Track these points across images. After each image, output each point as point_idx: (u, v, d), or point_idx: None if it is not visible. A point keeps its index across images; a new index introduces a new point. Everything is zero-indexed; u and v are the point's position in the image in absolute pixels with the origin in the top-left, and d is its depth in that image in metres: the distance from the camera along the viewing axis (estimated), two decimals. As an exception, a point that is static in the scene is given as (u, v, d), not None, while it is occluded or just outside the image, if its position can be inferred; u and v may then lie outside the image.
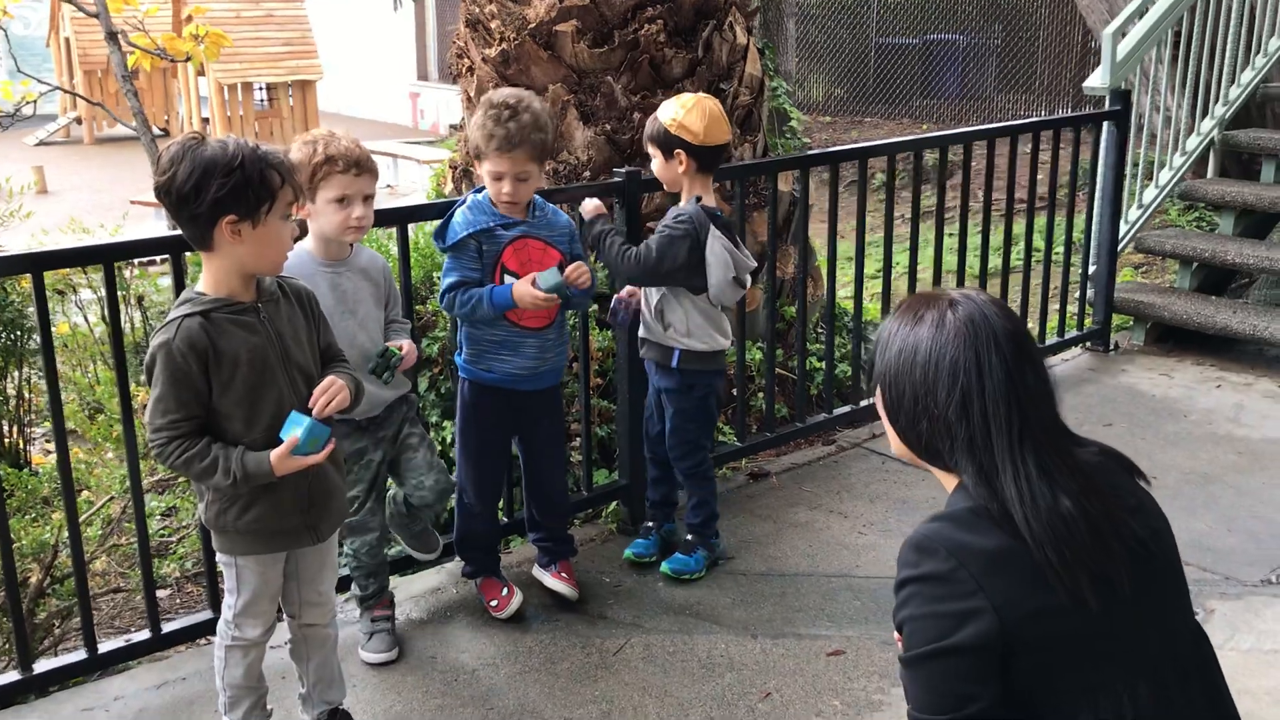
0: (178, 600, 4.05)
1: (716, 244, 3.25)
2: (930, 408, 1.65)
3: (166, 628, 3.07)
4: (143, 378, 2.34)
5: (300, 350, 2.37)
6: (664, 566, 3.49)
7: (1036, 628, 1.53)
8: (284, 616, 2.63)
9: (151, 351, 2.24)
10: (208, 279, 2.29)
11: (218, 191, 2.15)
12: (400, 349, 2.81)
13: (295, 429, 2.25)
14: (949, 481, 1.72)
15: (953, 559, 1.56)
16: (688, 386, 3.41)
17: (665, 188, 3.41)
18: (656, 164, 3.34)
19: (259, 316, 2.31)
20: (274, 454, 2.25)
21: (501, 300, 3.01)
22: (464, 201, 3.12)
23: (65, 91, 6.70)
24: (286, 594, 2.55)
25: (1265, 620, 3.24)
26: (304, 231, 2.81)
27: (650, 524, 3.65)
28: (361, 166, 2.74)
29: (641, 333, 3.46)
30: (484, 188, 3.09)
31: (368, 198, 2.76)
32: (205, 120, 17.60)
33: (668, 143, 3.27)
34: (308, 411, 2.30)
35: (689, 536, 3.55)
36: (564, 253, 3.15)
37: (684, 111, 3.24)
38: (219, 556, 2.46)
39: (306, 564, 2.53)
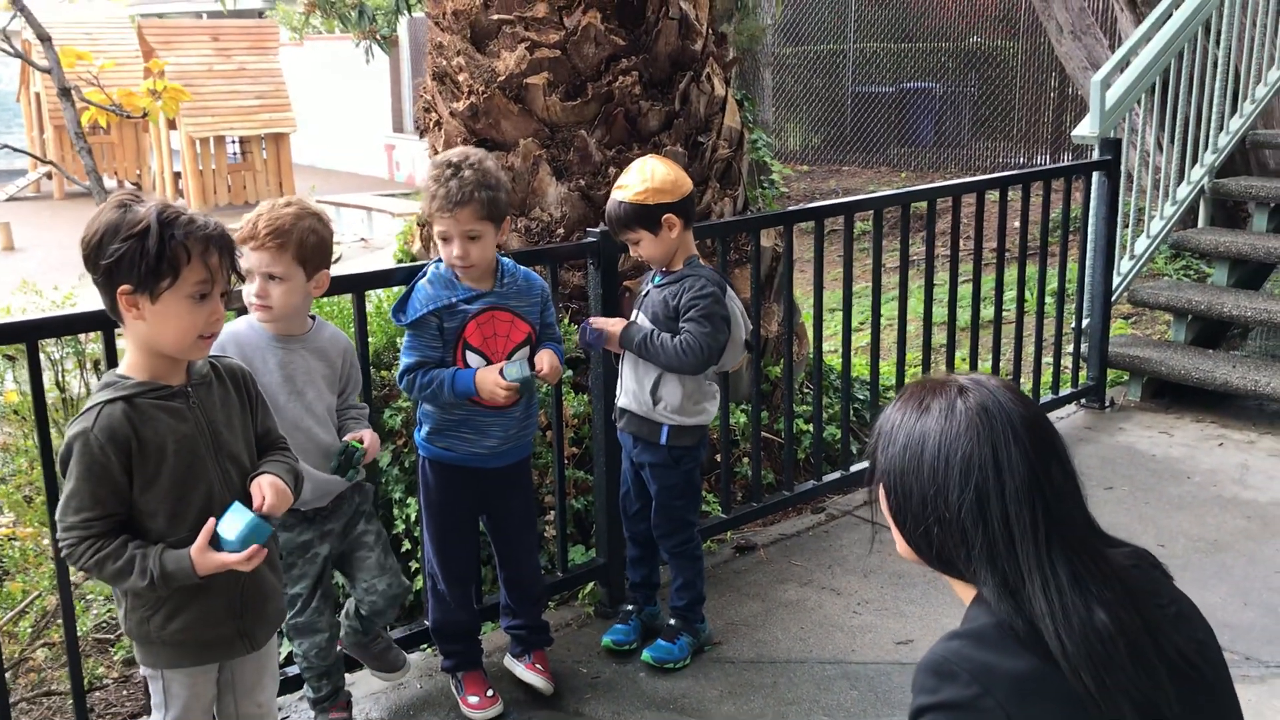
0: (125, 693, 3.77)
1: (736, 305, 3.10)
2: (941, 511, 1.45)
3: (99, 738, 2.79)
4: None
5: (234, 438, 2.14)
6: (645, 655, 3.24)
7: None
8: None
9: (67, 441, 2.00)
10: (130, 359, 2.06)
11: (111, 258, 1.94)
12: (361, 442, 2.58)
13: (236, 519, 2.01)
14: (966, 592, 1.51)
15: (976, 684, 1.36)
16: (674, 461, 3.18)
17: (657, 264, 3.15)
18: (646, 244, 3.08)
19: (188, 402, 2.07)
20: (194, 549, 2.00)
21: (463, 388, 2.79)
22: (424, 273, 2.89)
23: (14, 150, 6.47)
24: (222, 707, 2.29)
25: (1292, 706, 3.02)
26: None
27: (631, 607, 3.40)
28: (257, 240, 2.47)
29: (623, 403, 3.22)
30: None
31: (271, 276, 2.49)
32: (177, 174, 17.44)
33: (650, 215, 3.03)
34: (248, 504, 2.06)
35: (672, 621, 3.30)
36: (534, 324, 2.92)
37: (643, 179, 3.04)
38: (143, 669, 2.20)
39: (243, 674, 2.28)
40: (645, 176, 3.05)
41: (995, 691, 1.35)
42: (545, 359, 2.88)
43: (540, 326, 2.95)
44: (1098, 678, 1.34)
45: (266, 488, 2.10)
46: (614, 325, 3.15)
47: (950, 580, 1.55)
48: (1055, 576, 1.39)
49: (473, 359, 2.83)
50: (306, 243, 2.51)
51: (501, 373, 2.76)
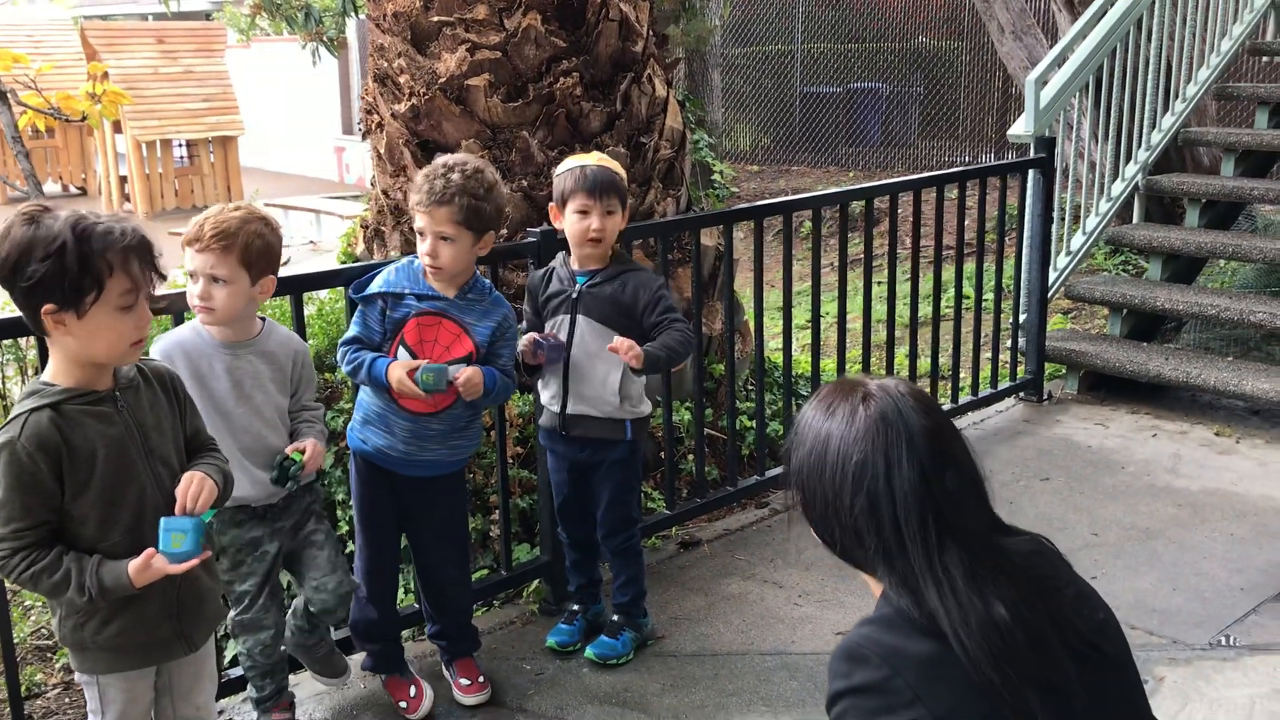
0: (66, 700, 3.74)
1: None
2: (839, 514, 1.51)
3: (37, 745, 2.78)
4: None
5: (163, 441, 2.14)
6: (589, 652, 3.27)
7: None
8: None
9: None
10: (55, 366, 2.05)
11: (30, 279, 1.92)
12: (302, 453, 2.58)
13: (175, 531, 2.02)
14: (875, 586, 1.56)
15: (886, 666, 1.41)
16: (633, 454, 3.22)
17: (599, 250, 3.11)
18: (613, 221, 3.07)
19: (116, 406, 2.07)
20: (133, 565, 2.00)
21: (377, 372, 2.81)
22: (398, 261, 2.95)
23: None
24: (160, 710, 2.29)
25: (1216, 687, 3.11)
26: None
27: (576, 606, 3.43)
28: (202, 242, 2.47)
29: (578, 410, 3.14)
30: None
31: (215, 278, 2.49)
32: (123, 178, 17.20)
33: (624, 195, 3.10)
34: (172, 513, 2.06)
35: (615, 617, 3.33)
36: (479, 346, 2.88)
37: (607, 161, 3.09)
38: (78, 675, 2.20)
39: (180, 676, 2.28)
40: (607, 161, 3.09)
41: (904, 673, 1.40)
42: (468, 371, 2.80)
43: (488, 352, 2.90)
44: (1000, 670, 1.38)
45: (195, 482, 2.08)
46: (634, 358, 2.97)
47: (862, 575, 1.60)
48: (949, 577, 1.43)
49: (404, 356, 2.85)
50: (252, 246, 2.50)
51: (416, 371, 2.76)
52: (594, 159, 3.12)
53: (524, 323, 3.23)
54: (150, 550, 2.01)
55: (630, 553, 3.32)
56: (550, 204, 3.18)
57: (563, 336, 3.10)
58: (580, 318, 3.11)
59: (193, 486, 2.08)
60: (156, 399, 2.15)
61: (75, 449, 2.00)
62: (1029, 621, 1.41)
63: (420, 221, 2.83)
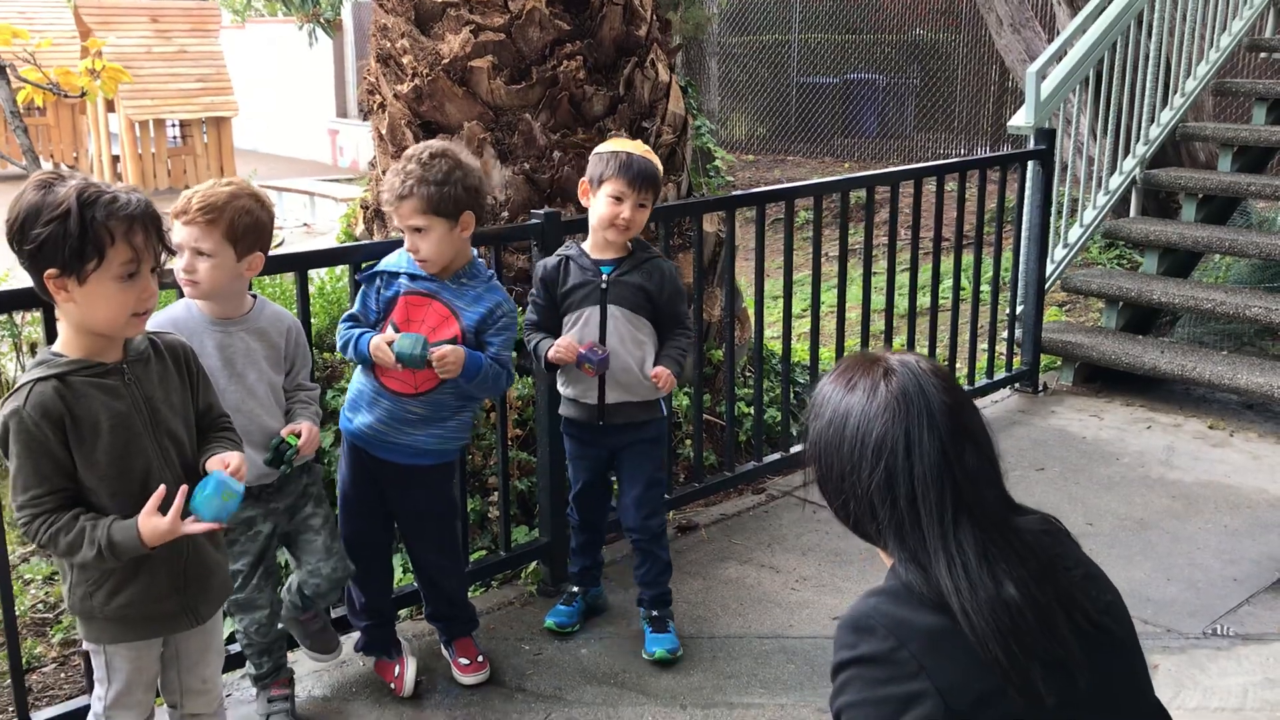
0: (63, 675, 3.74)
1: None
2: (855, 486, 1.51)
3: (37, 718, 2.77)
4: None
5: (173, 415, 2.14)
6: (661, 653, 3.16)
7: (986, 713, 1.38)
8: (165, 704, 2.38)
9: (3, 421, 2.00)
10: (64, 337, 2.06)
11: (33, 242, 1.93)
12: (298, 436, 2.56)
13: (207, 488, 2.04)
14: (886, 559, 1.57)
15: (892, 638, 1.42)
16: (665, 431, 3.28)
17: (625, 239, 3.09)
18: (643, 213, 3.07)
19: (124, 379, 2.07)
20: (140, 518, 2.00)
21: (362, 348, 2.83)
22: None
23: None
24: (166, 682, 2.30)
25: (1210, 675, 3.13)
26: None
27: (575, 589, 3.43)
28: (188, 215, 2.45)
29: (617, 399, 3.11)
30: None
31: (200, 251, 2.47)
32: (115, 158, 17.12)
33: (658, 193, 3.11)
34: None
35: (655, 612, 3.25)
36: (466, 330, 2.85)
37: (647, 151, 3.09)
38: (86, 644, 2.21)
39: (187, 648, 2.29)
40: (650, 155, 3.08)
41: (910, 644, 1.40)
42: (449, 348, 2.77)
43: (477, 339, 2.87)
44: (1006, 648, 1.38)
45: (232, 458, 2.11)
46: (667, 380, 3.06)
47: (875, 548, 1.61)
48: (961, 554, 1.43)
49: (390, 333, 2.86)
50: (238, 222, 2.48)
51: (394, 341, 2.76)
52: (639, 148, 3.07)
53: (529, 309, 3.20)
54: (157, 495, 2.00)
55: (663, 535, 3.30)
56: (582, 180, 3.13)
57: (594, 327, 3.06)
58: (612, 307, 3.08)
59: (232, 462, 2.11)
60: (167, 372, 2.15)
61: (79, 420, 2.01)
62: (1038, 601, 1.42)
63: (395, 219, 2.83)
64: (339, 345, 2.91)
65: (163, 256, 2.09)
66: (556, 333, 3.13)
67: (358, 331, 2.87)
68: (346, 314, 2.95)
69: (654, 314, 3.12)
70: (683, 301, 3.19)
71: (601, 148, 3.12)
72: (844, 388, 1.55)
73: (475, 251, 2.99)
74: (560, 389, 3.23)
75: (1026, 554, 1.47)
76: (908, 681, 1.38)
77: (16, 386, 2.02)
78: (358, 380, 2.95)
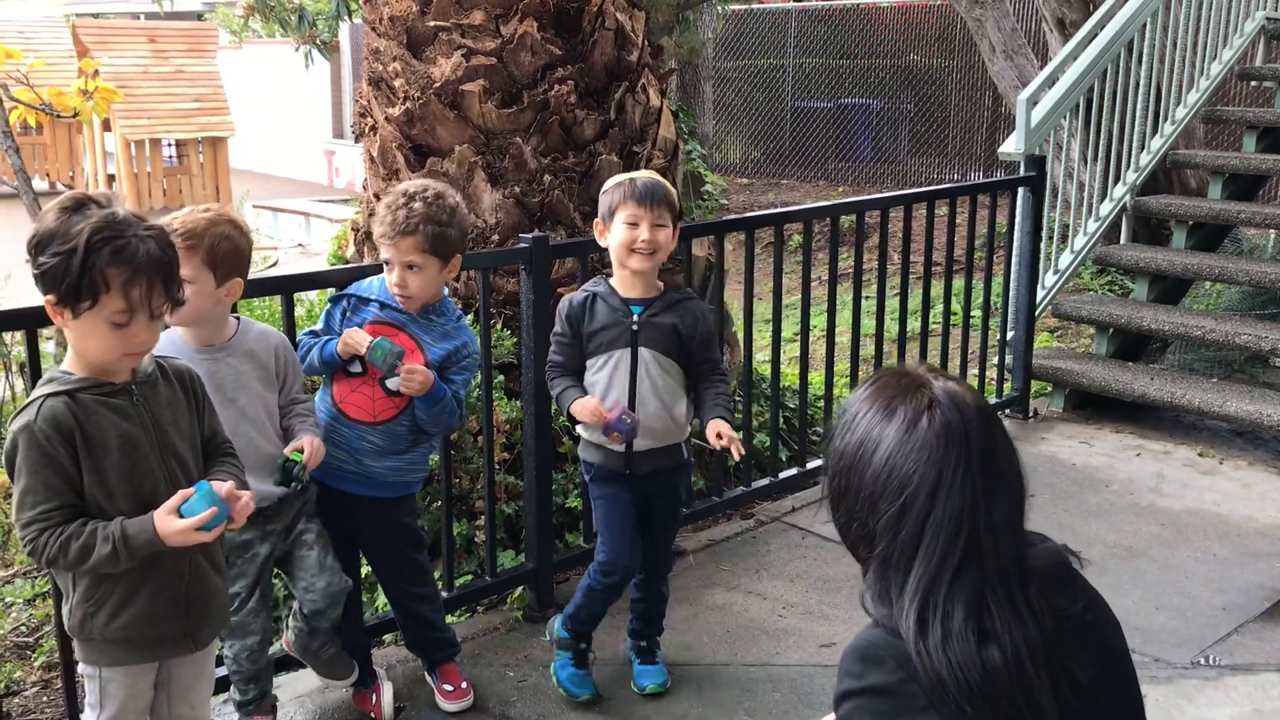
0: (45, 699, 3.71)
1: None
2: (866, 514, 1.46)
3: (15, 743, 2.75)
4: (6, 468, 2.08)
5: (179, 439, 2.14)
6: (652, 687, 3.13)
7: None
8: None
9: (11, 437, 2.00)
10: (72, 357, 2.07)
11: (40, 267, 1.96)
12: (301, 451, 2.56)
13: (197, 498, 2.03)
14: None
15: (901, 670, 1.39)
16: (687, 476, 3.20)
17: (649, 271, 2.95)
18: (667, 236, 2.92)
19: (132, 399, 2.08)
20: (159, 511, 2.00)
21: (329, 353, 2.82)
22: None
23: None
24: (155, 707, 2.29)
25: (1198, 706, 3.12)
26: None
27: (589, 650, 3.17)
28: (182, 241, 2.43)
29: (645, 445, 2.95)
30: None
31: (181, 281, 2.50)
32: (111, 177, 17.13)
33: (675, 210, 2.98)
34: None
35: (645, 643, 3.21)
36: (429, 364, 2.83)
37: (658, 177, 3.00)
38: (81, 667, 2.20)
39: (180, 674, 2.28)
40: (657, 176, 2.99)
41: (920, 678, 1.37)
42: (421, 367, 2.78)
43: (439, 376, 2.84)
44: (974, 703, 1.34)
45: (246, 498, 2.11)
46: (730, 437, 2.89)
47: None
48: (948, 602, 1.38)
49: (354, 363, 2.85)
50: (218, 248, 2.50)
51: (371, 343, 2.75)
52: (643, 174, 3.02)
53: (552, 347, 3.05)
54: (179, 495, 2.00)
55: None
56: (595, 222, 3.02)
57: (624, 371, 2.93)
58: (643, 350, 2.93)
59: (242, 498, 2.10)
60: (175, 396, 2.16)
61: (89, 435, 2.02)
62: (1024, 669, 1.37)
63: (386, 253, 2.80)
64: (299, 356, 2.84)
65: (162, 306, 2.04)
66: (580, 372, 3.01)
67: (321, 340, 2.87)
68: (308, 329, 2.95)
69: (684, 357, 2.97)
70: (716, 344, 3.07)
71: (606, 184, 3.02)
72: (882, 411, 1.46)
73: (446, 290, 2.99)
74: (582, 432, 3.08)
75: (1027, 615, 1.40)
76: (916, 715, 1.36)
77: (26, 403, 2.04)
78: (318, 407, 2.90)
